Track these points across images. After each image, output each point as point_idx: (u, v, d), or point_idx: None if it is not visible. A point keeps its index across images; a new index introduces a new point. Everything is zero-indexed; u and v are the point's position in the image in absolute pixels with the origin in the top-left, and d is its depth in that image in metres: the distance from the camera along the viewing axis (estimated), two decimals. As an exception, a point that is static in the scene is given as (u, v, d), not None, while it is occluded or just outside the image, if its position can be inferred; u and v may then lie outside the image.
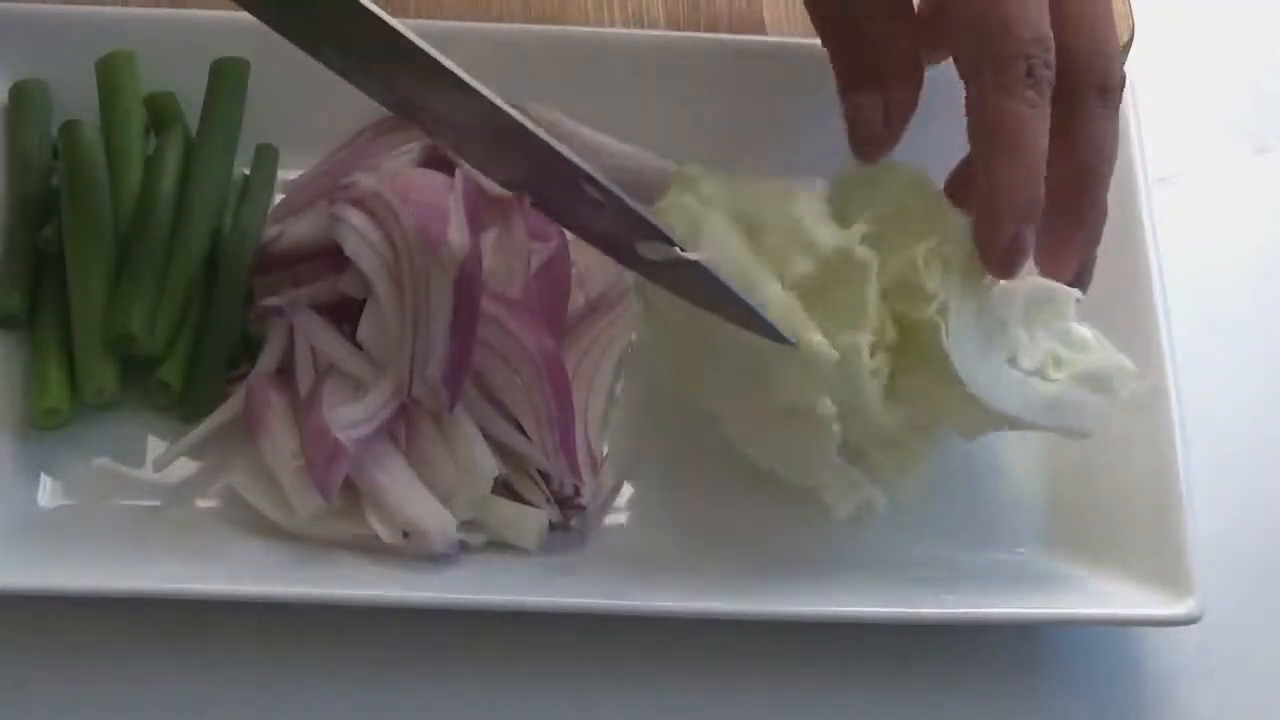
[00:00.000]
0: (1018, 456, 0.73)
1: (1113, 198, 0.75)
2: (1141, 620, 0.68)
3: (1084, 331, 0.68)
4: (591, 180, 0.61)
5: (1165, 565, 0.67)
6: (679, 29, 0.82)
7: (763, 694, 0.69)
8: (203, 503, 0.70)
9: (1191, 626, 0.67)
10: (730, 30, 0.82)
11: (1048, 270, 0.66)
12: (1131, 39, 0.83)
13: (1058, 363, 0.67)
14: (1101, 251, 0.74)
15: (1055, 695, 0.70)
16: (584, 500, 0.69)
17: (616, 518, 0.69)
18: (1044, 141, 0.60)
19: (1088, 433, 0.68)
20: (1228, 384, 0.77)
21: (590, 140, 0.77)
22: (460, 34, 0.76)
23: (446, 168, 0.73)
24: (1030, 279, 0.67)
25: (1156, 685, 0.70)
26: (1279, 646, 0.72)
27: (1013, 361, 0.66)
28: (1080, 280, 0.67)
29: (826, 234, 0.65)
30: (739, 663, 0.69)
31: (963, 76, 0.60)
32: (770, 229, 0.66)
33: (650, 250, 0.63)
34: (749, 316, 0.64)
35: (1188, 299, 0.76)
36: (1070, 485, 0.71)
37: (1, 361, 0.71)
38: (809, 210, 0.66)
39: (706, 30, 0.82)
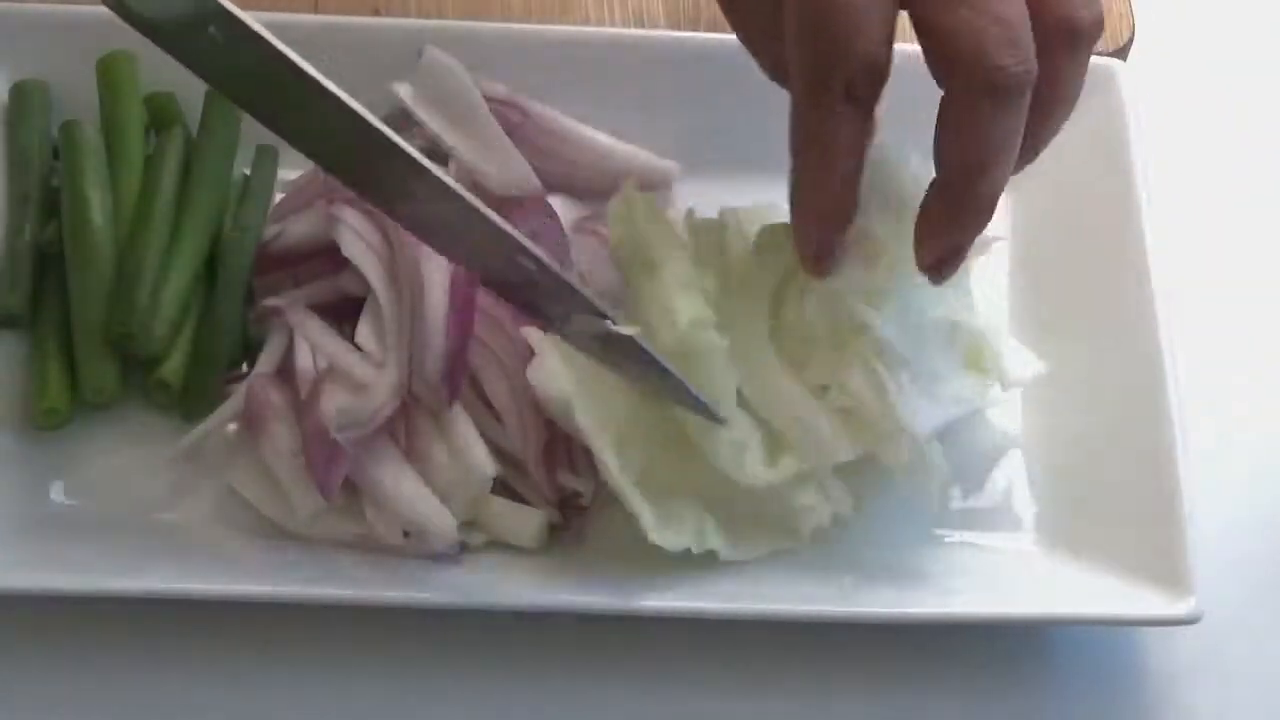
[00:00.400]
0: (1017, 455, 0.73)
1: (1112, 198, 0.75)
2: (1141, 620, 0.68)
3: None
4: (525, 252, 0.61)
5: (1165, 565, 0.67)
6: (679, 29, 0.82)
7: (762, 694, 0.69)
8: (203, 503, 0.70)
9: (1191, 626, 0.67)
10: (730, 30, 0.82)
11: (915, 252, 0.65)
12: (1131, 39, 0.83)
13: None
14: (1101, 251, 0.75)
15: (1055, 695, 0.70)
16: (584, 500, 0.69)
17: (616, 518, 0.69)
18: (853, 151, 0.60)
19: None
20: (1228, 383, 0.77)
21: (590, 140, 0.77)
22: (460, 34, 0.76)
23: (444, 164, 0.73)
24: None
25: (1156, 685, 0.70)
26: (1279, 646, 0.72)
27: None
28: (938, 270, 0.64)
29: (687, 306, 0.66)
30: (738, 663, 0.69)
31: (790, 74, 0.60)
32: (660, 285, 0.67)
33: (583, 323, 0.63)
34: (680, 392, 0.65)
35: (1187, 299, 0.76)
36: (1070, 485, 0.71)
37: (1, 361, 0.71)
38: (682, 275, 0.67)
39: (706, 30, 0.82)
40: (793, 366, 0.68)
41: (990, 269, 0.75)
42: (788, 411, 0.67)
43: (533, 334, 0.68)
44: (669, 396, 0.65)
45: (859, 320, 0.67)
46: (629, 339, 0.63)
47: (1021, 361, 0.72)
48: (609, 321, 0.63)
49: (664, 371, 0.64)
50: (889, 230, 0.66)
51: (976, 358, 0.70)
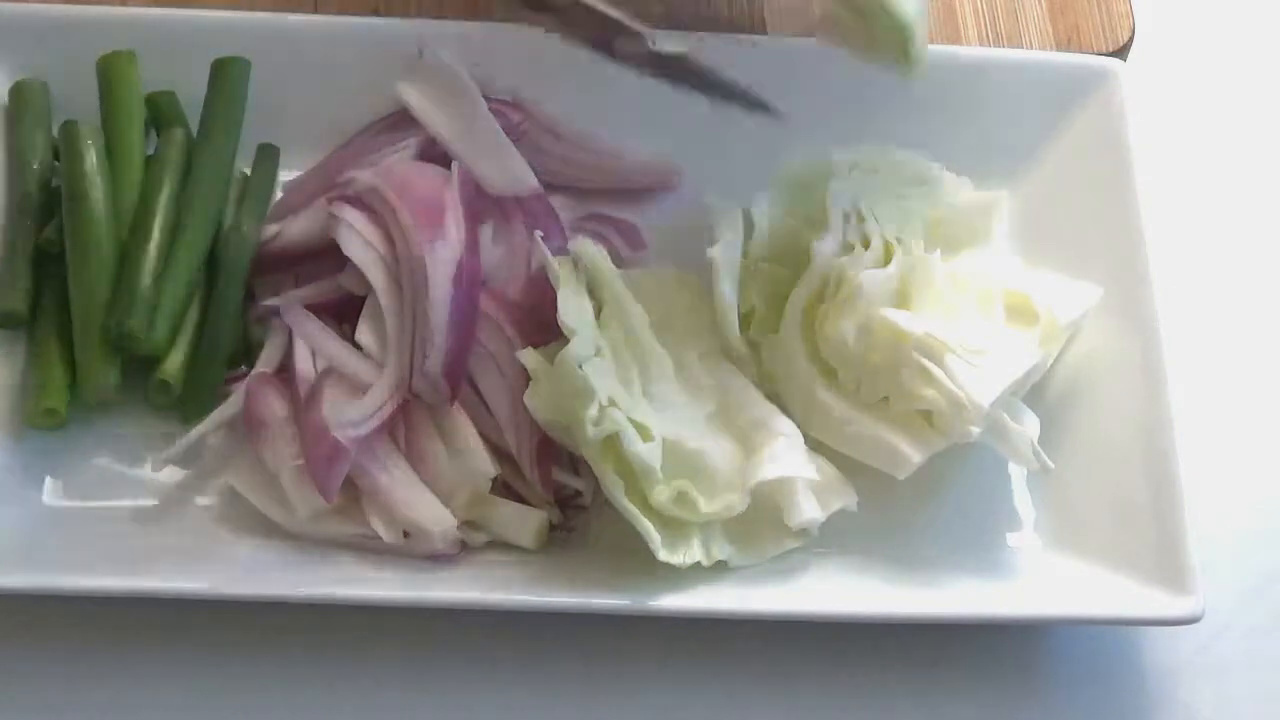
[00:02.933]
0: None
1: (1112, 197, 0.75)
2: (1142, 620, 0.69)
3: None
4: None
5: (1165, 564, 0.67)
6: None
7: (762, 693, 0.69)
8: (203, 503, 0.70)
9: (1192, 626, 0.67)
10: (730, 30, 0.82)
11: None
12: (1131, 39, 0.83)
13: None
14: (1101, 251, 0.75)
15: (1055, 695, 0.70)
16: (584, 500, 0.69)
17: (616, 518, 0.69)
18: None
19: None
20: (1228, 384, 0.77)
21: (590, 140, 0.77)
22: (460, 34, 0.76)
23: (444, 163, 0.73)
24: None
25: (1156, 685, 0.70)
26: (1279, 646, 0.72)
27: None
28: None
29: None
30: (738, 662, 0.69)
31: None
32: None
33: (626, 44, 0.65)
34: (734, 93, 0.68)
35: (1187, 299, 0.76)
36: (1070, 485, 0.71)
37: (2, 361, 0.71)
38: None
39: (707, 30, 0.82)
40: (844, 391, 0.69)
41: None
42: (855, 435, 0.69)
43: (527, 357, 0.68)
44: (726, 104, 0.68)
45: (889, 324, 0.68)
46: (676, 56, 0.66)
47: (1073, 295, 0.73)
48: (649, 40, 0.67)
49: (715, 78, 0.68)
50: None
51: (1021, 310, 0.71)
